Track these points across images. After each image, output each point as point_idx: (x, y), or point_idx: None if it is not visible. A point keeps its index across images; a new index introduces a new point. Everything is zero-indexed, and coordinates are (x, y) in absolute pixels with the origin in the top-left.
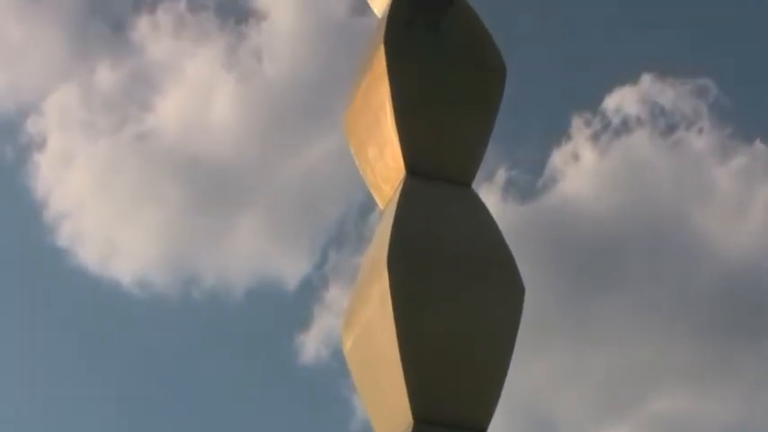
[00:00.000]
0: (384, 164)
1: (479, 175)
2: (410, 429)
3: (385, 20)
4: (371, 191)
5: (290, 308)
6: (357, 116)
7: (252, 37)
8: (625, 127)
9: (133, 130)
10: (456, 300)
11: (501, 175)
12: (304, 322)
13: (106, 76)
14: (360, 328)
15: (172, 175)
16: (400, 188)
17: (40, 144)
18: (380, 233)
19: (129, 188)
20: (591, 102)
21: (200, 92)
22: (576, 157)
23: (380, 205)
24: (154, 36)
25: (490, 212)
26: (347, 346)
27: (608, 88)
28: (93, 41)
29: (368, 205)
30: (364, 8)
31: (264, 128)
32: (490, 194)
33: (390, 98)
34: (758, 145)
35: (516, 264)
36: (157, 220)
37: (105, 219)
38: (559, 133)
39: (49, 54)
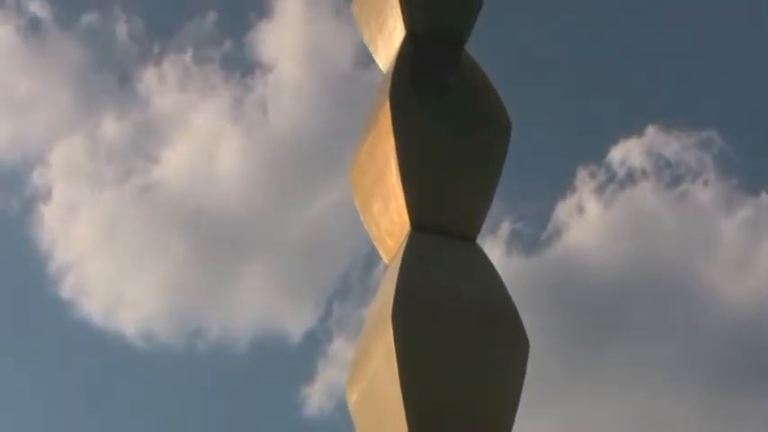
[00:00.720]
0: (389, 218)
1: (483, 227)
2: None
3: (390, 75)
4: (376, 245)
5: (294, 360)
6: (362, 171)
7: (257, 89)
8: (630, 179)
9: (138, 181)
10: (461, 354)
11: (505, 227)
12: (308, 375)
13: (112, 127)
14: (365, 382)
15: (177, 226)
16: (405, 243)
17: (46, 195)
18: (385, 287)
19: (134, 239)
20: (596, 154)
21: (205, 144)
22: (580, 209)
23: (385, 259)
24: (160, 88)
25: (495, 267)
26: (352, 399)
27: (613, 140)
28: (99, 93)
29: (373, 257)
30: (369, 62)
31: (269, 180)
32: (494, 247)
33: (395, 153)
34: (764, 197)
35: (521, 318)
36: (162, 271)
37: (110, 270)
38: (564, 185)
39: (55, 105)
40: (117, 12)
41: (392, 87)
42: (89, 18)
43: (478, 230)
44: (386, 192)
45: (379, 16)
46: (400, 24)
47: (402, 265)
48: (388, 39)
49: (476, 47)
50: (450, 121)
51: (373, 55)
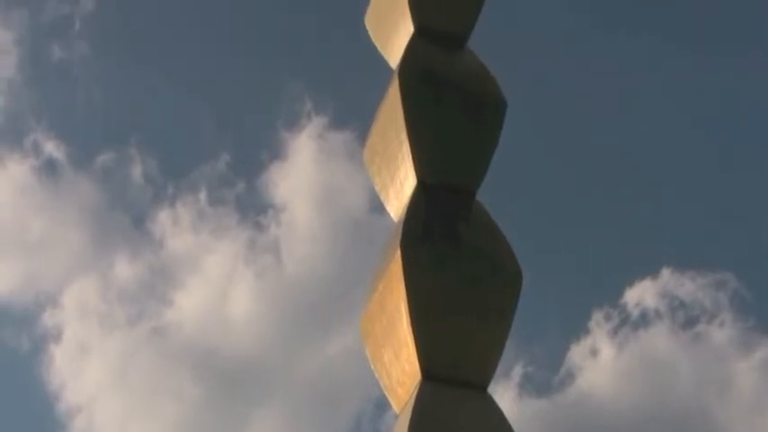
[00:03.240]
0: (400, 368)
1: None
2: None
3: (401, 225)
4: (387, 394)
5: None
6: (373, 320)
7: (270, 231)
8: (644, 321)
9: (151, 323)
10: None
11: (517, 371)
12: None
13: (125, 268)
14: None
15: (188, 369)
16: (416, 393)
17: (56, 336)
18: None
19: (145, 382)
20: (611, 296)
21: (218, 286)
22: (594, 352)
23: (395, 409)
24: (173, 230)
25: (505, 417)
26: None
27: (628, 282)
28: (112, 234)
29: (384, 402)
30: (382, 206)
31: (281, 324)
32: (506, 391)
33: (406, 302)
34: None
35: None
36: (173, 414)
37: (119, 413)
38: (578, 328)
39: (69, 245)
40: (132, 152)
41: (403, 237)
42: (104, 158)
43: (490, 380)
44: (397, 341)
45: (391, 165)
46: (412, 174)
47: (413, 416)
48: (399, 188)
49: (488, 193)
50: (461, 271)
51: (384, 203)
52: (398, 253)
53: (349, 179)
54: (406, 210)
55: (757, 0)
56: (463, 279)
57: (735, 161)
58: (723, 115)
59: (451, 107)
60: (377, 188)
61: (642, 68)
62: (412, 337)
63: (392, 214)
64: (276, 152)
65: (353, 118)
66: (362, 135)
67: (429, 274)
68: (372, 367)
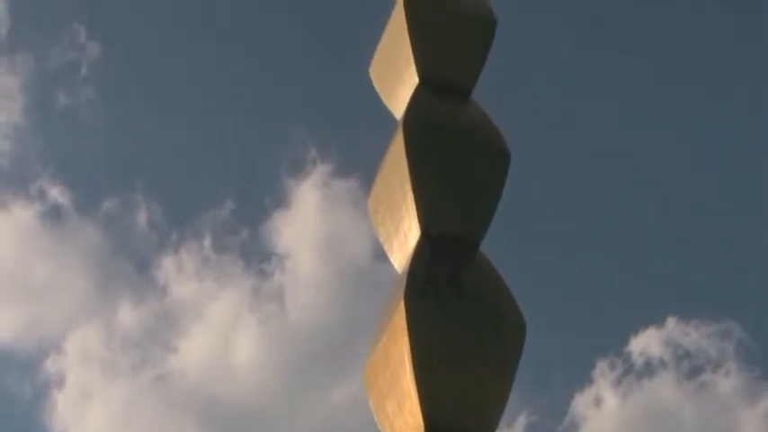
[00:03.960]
0: (403, 420)
1: None
2: None
3: (405, 275)
4: None
5: None
6: (376, 370)
7: (274, 279)
8: (649, 370)
9: (154, 370)
10: None
11: (521, 420)
12: None
13: (129, 315)
14: None
15: (192, 416)
16: None
17: (59, 382)
18: None
19: (148, 429)
20: (615, 345)
21: (221, 334)
22: (598, 401)
23: None
24: (177, 277)
25: None
26: None
27: (633, 330)
28: (116, 280)
29: None
30: (386, 254)
31: (285, 372)
32: None
33: (410, 354)
34: None
35: None
36: None
37: None
38: (582, 377)
39: (73, 291)
40: (137, 198)
41: (406, 289)
42: (109, 204)
43: (494, 431)
44: (400, 392)
45: (395, 215)
46: (416, 225)
47: None
48: (403, 239)
49: (492, 243)
50: (465, 323)
51: (388, 254)
52: (402, 304)
53: (353, 227)
54: (409, 261)
55: None
56: (467, 331)
57: (741, 210)
58: (728, 164)
59: (456, 158)
60: (381, 238)
61: (643, 117)
62: (415, 389)
63: (396, 265)
64: (280, 199)
65: (358, 166)
66: (367, 183)
67: (433, 325)
68: (375, 418)
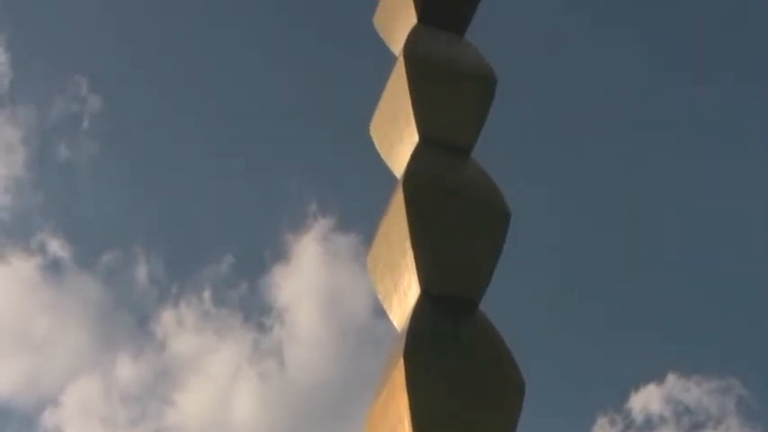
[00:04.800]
0: None
1: None
2: None
3: (405, 333)
4: None
5: None
6: (375, 427)
7: (273, 334)
8: (649, 426)
9: (153, 425)
10: None
11: None
12: None
13: (128, 369)
14: None
15: None
16: None
17: None
18: None
19: None
20: (615, 401)
21: (220, 389)
22: None
23: None
24: (177, 330)
25: None
26: None
27: (634, 387)
28: (116, 333)
29: None
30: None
31: (284, 427)
32: None
33: (409, 412)
34: None
35: None
36: None
37: None
38: None
39: (72, 345)
40: (137, 252)
41: (406, 347)
42: (109, 258)
43: None
44: None
45: (394, 273)
46: (415, 283)
47: None
48: (402, 296)
49: (491, 300)
50: (464, 381)
51: (387, 311)
52: (401, 362)
53: (353, 281)
54: (409, 319)
55: None
56: (466, 389)
57: (740, 265)
58: (727, 218)
59: (455, 218)
60: (380, 296)
61: (644, 173)
62: None
63: (395, 322)
64: (280, 253)
65: (359, 220)
66: (368, 238)
67: (432, 384)
68: None
